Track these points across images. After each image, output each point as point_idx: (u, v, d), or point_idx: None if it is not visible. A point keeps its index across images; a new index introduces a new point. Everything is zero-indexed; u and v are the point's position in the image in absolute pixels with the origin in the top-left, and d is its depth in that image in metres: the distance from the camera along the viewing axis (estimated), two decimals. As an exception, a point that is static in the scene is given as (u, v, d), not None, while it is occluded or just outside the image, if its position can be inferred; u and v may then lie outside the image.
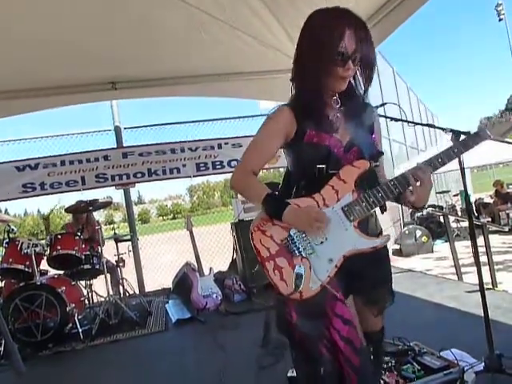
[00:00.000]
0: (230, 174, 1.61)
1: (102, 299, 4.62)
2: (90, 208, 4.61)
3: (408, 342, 2.54)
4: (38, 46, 3.74)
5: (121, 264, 4.91)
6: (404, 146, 11.46)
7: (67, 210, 4.88)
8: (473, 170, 18.63)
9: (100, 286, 4.83)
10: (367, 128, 1.54)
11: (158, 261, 7.07)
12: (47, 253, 4.32)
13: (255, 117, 6.82)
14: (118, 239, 4.96)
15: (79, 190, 5.80)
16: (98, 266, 4.53)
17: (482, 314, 2.26)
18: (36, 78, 4.49)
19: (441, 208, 10.31)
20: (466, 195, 2.46)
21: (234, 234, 5.32)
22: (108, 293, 4.45)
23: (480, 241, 2.62)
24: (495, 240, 6.97)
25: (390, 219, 8.41)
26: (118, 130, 6.30)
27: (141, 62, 4.55)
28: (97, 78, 4.86)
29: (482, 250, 2.76)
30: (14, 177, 5.62)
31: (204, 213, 31.65)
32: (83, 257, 4.40)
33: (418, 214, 8.97)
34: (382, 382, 2.12)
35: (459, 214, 10.47)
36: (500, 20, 22.77)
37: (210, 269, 4.80)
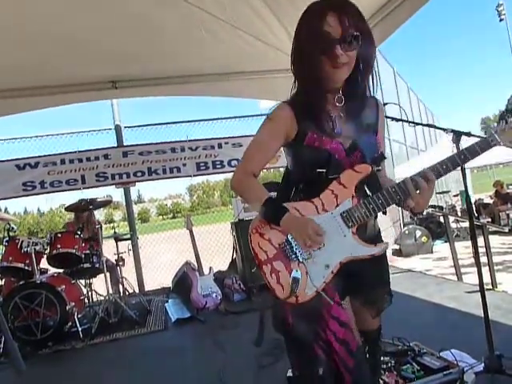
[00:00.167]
0: (230, 173, 1.60)
1: (102, 298, 4.62)
2: (90, 207, 4.61)
3: (408, 343, 2.54)
4: (39, 45, 3.73)
5: (120, 263, 4.92)
6: (404, 146, 11.46)
7: (67, 209, 4.88)
8: (473, 171, 18.63)
9: (100, 285, 4.83)
10: (371, 128, 1.50)
11: (158, 260, 7.08)
12: (47, 251, 4.32)
13: (255, 116, 6.83)
14: (117, 238, 4.96)
15: (79, 189, 5.81)
16: (97, 265, 4.53)
17: (482, 315, 2.26)
18: (37, 77, 4.49)
19: (441, 208, 10.31)
20: (466, 195, 2.46)
21: (234, 233, 5.32)
22: (108, 292, 4.45)
23: (480, 241, 2.61)
24: (495, 241, 6.97)
25: (390, 219, 8.42)
26: (118, 129, 6.30)
27: (141, 61, 4.55)
28: (97, 76, 4.85)
29: (481, 250, 2.75)
30: (14, 175, 5.63)
31: (204, 212, 31.72)
32: (83, 256, 4.40)
33: (416, 215, 8.97)
34: (381, 382, 2.12)
35: (459, 214, 10.47)
36: (501, 20, 22.74)
37: (210, 268, 4.80)
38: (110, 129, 6.32)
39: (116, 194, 6.47)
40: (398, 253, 7.84)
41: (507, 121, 1.34)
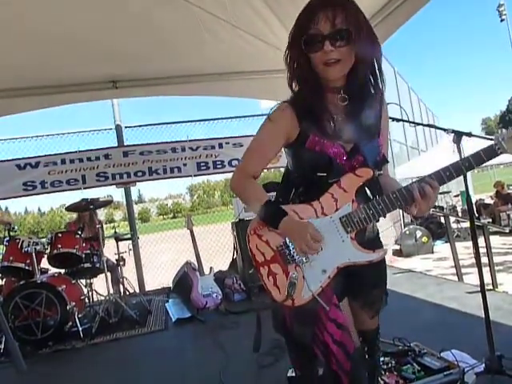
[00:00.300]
0: (231, 173, 1.59)
1: (102, 298, 4.62)
2: (91, 207, 4.61)
3: (408, 343, 2.53)
4: (39, 44, 3.74)
5: (121, 263, 4.92)
6: (405, 146, 11.46)
7: (68, 209, 4.88)
8: (473, 171, 18.58)
9: (100, 285, 4.83)
10: (374, 130, 1.45)
11: (159, 260, 7.08)
12: (48, 251, 4.32)
13: (256, 116, 6.83)
14: (118, 238, 4.96)
15: (80, 189, 5.81)
16: (98, 265, 4.53)
17: (483, 315, 2.26)
18: (37, 77, 4.49)
19: (441, 208, 10.31)
20: (467, 196, 2.45)
21: (235, 233, 5.32)
22: (108, 291, 4.45)
23: (480, 242, 2.61)
24: (495, 241, 6.96)
25: (391, 219, 8.43)
26: (118, 129, 6.30)
27: (142, 61, 4.55)
28: (98, 76, 4.86)
29: (482, 250, 2.75)
30: (14, 175, 5.63)
31: (204, 212, 31.70)
32: (83, 255, 4.40)
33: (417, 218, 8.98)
34: (382, 382, 2.12)
35: (460, 214, 10.47)
36: (502, 21, 22.74)
37: (211, 268, 4.80)
38: (111, 129, 6.32)
39: (116, 193, 6.48)
40: (398, 253, 7.85)
41: None
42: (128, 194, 6.44)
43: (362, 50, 1.30)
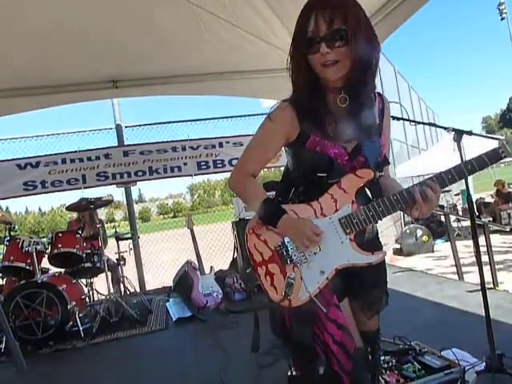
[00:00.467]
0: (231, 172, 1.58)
1: (103, 297, 4.62)
2: (91, 206, 4.61)
3: (409, 342, 2.53)
4: (39, 44, 3.74)
5: (121, 262, 4.92)
6: (405, 145, 11.45)
7: (68, 208, 4.89)
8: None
9: (101, 284, 4.84)
10: (375, 130, 1.44)
11: (159, 259, 7.09)
12: (48, 251, 4.33)
13: (257, 115, 6.82)
14: (118, 237, 4.96)
15: (80, 189, 5.81)
16: (98, 265, 4.53)
17: (483, 314, 2.26)
18: (37, 77, 4.49)
19: (442, 207, 10.31)
20: (467, 195, 2.45)
21: (235, 232, 5.32)
22: (109, 291, 4.46)
23: (481, 240, 2.61)
24: (496, 240, 6.96)
25: (391, 218, 8.42)
26: (119, 129, 6.31)
27: (142, 61, 4.55)
28: (98, 76, 4.86)
29: (483, 249, 2.75)
30: (15, 175, 5.63)
31: (205, 211, 31.71)
32: (84, 255, 4.40)
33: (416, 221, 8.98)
34: (382, 381, 2.12)
35: (460, 213, 10.47)
36: (502, 19, 22.73)
37: (211, 267, 4.80)
38: (111, 128, 6.32)
39: (117, 193, 6.48)
40: (398, 252, 7.85)
41: None
42: (128, 194, 6.44)
43: (360, 50, 1.28)
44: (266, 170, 7.81)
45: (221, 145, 6.37)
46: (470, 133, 2.12)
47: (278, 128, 1.42)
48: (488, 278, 3.28)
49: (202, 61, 4.70)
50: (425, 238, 7.77)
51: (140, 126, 6.46)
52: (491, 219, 9.33)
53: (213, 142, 6.38)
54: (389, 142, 1.58)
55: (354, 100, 1.37)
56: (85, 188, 5.82)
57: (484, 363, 2.21)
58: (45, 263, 4.48)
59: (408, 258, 7.36)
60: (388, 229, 8.13)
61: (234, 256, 5.63)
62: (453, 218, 8.72)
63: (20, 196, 5.72)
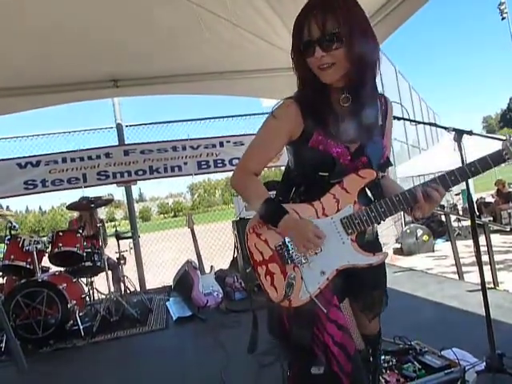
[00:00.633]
0: (232, 172, 1.56)
1: (103, 296, 4.63)
2: (92, 205, 4.61)
3: (409, 341, 2.53)
4: (39, 43, 3.74)
5: (122, 261, 4.93)
6: (405, 145, 11.44)
7: (69, 207, 4.89)
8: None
9: (101, 284, 4.84)
10: (378, 131, 1.44)
11: (159, 258, 7.09)
12: (48, 250, 4.33)
13: (257, 115, 6.82)
14: (119, 236, 4.97)
15: (80, 188, 5.81)
16: (99, 264, 4.54)
17: (484, 314, 2.26)
18: (38, 76, 4.49)
19: (442, 207, 10.30)
20: (468, 194, 2.45)
21: (236, 232, 5.33)
22: (109, 290, 4.46)
23: (481, 240, 2.61)
24: (496, 239, 6.97)
25: (391, 218, 8.42)
26: (119, 128, 6.31)
27: (143, 60, 4.55)
28: (98, 75, 4.85)
29: (483, 249, 2.75)
30: (15, 174, 5.64)
31: (205, 211, 31.71)
32: (84, 254, 4.40)
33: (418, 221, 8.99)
34: (383, 381, 2.12)
35: (460, 213, 10.47)
36: (503, 19, 22.69)
37: (211, 267, 4.81)
38: (112, 127, 6.33)
39: (117, 192, 6.49)
40: (399, 251, 7.85)
41: None
42: (129, 193, 6.44)
43: (357, 51, 1.28)
44: (266, 169, 7.82)
45: (221, 144, 6.37)
46: (470, 133, 2.12)
47: (282, 125, 1.41)
48: (488, 277, 3.28)
49: (202, 60, 4.70)
50: (425, 237, 7.77)
51: (140, 125, 6.46)
52: (491, 219, 9.34)
53: (213, 141, 6.38)
54: (391, 143, 1.58)
55: (356, 100, 1.36)
56: (85, 187, 5.83)
57: (484, 363, 2.21)
58: (45, 262, 4.49)
59: (408, 258, 7.37)
60: (388, 228, 8.13)
61: (234, 255, 5.64)
62: (453, 217, 8.72)
63: (20, 195, 5.72)
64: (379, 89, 1.48)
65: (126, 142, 6.27)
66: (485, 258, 3.02)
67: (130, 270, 5.65)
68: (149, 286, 6.31)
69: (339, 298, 1.42)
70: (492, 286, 4.05)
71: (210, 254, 6.72)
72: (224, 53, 4.53)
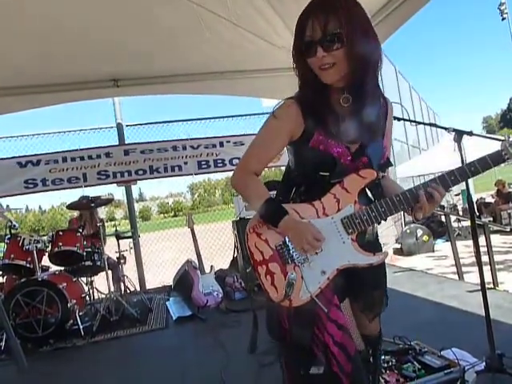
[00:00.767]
0: (232, 172, 1.56)
1: (103, 296, 4.63)
2: (92, 205, 4.61)
3: (409, 341, 2.54)
4: (40, 43, 3.73)
5: (122, 261, 4.93)
6: (406, 145, 11.44)
7: (69, 207, 4.89)
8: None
9: (101, 283, 4.84)
10: (379, 131, 1.44)
11: (159, 258, 7.09)
12: (49, 249, 4.33)
13: (257, 115, 6.83)
14: (119, 236, 4.97)
15: (81, 187, 5.81)
16: (99, 263, 4.54)
17: (483, 314, 2.26)
18: (38, 75, 4.49)
19: (442, 207, 10.30)
20: (468, 195, 2.45)
21: (235, 231, 5.33)
22: (109, 289, 4.46)
23: (481, 240, 2.61)
24: (496, 240, 6.97)
25: (391, 218, 8.41)
26: (119, 127, 6.31)
27: (143, 60, 4.54)
28: (99, 75, 4.85)
29: (483, 249, 2.75)
30: (16, 173, 5.64)
31: (205, 210, 31.71)
32: (84, 253, 4.41)
33: (418, 221, 8.97)
34: (382, 381, 2.12)
35: (460, 213, 10.47)
36: (503, 19, 22.69)
37: (211, 267, 4.81)
38: (112, 127, 6.33)
39: (117, 192, 6.50)
40: (399, 252, 7.85)
41: None
42: (129, 193, 6.45)
43: (358, 51, 1.28)
44: (266, 169, 7.81)
45: (221, 144, 6.37)
46: (470, 133, 2.12)
47: (283, 125, 1.41)
48: (488, 278, 3.29)
49: (202, 60, 4.70)
50: (425, 237, 7.77)
51: (141, 124, 6.47)
52: (491, 219, 9.34)
53: (213, 141, 6.39)
54: (390, 144, 1.58)
55: (356, 100, 1.37)
56: (85, 186, 5.83)
57: (484, 363, 2.22)
58: (45, 261, 4.49)
59: (408, 258, 7.37)
60: (388, 228, 8.13)
61: (234, 255, 5.64)
62: (453, 218, 8.73)
63: (20, 194, 5.73)
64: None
65: (126, 142, 6.28)
66: (485, 258, 3.02)
67: (129, 269, 5.65)
68: (149, 285, 6.31)
69: (339, 298, 1.41)
70: (492, 286, 4.06)
71: (210, 253, 6.72)
72: (224, 52, 4.53)
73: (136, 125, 6.45)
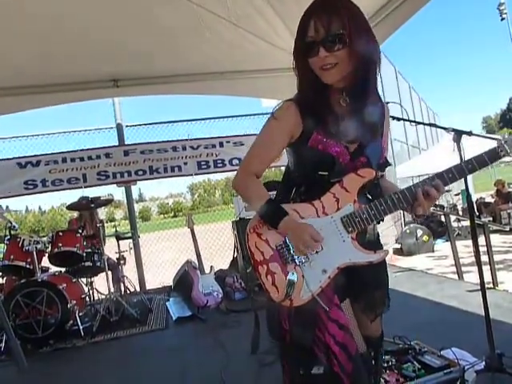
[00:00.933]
0: (232, 172, 1.58)
1: (103, 296, 4.63)
2: (92, 205, 4.61)
3: (408, 341, 2.54)
4: (40, 43, 3.74)
5: (122, 261, 4.93)
6: (405, 145, 11.45)
7: (69, 208, 4.89)
8: (474, 170, 18.53)
9: (101, 284, 4.84)
10: (377, 131, 1.46)
11: (159, 258, 7.09)
12: (48, 250, 4.33)
13: (257, 115, 6.83)
14: (119, 237, 4.97)
15: (80, 188, 5.81)
16: (99, 264, 4.54)
17: (483, 314, 2.26)
18: (38, 76, 4.49)
19: (442, 207, 10.31)
20: (467, 195, 2.45)
21: (235, 232, 5.33)
22: (109, 290, 4.46)
23: (481, 240, 2.61)
24: (496, 239, 6.97)
25: (391, 218, 8.42)
26: (119, 128, 6.32)
27: (143, 60, 4.55)
28: (99, 75, 4.86)
29: (482, 249, 2.75)
30: (15, 174, 5.64)
31: (205, 211, 31.71)
32: (84, 254, 4.40)
33: (418, 219, 8.98)
34: (382, 381, 2.12)
35: (460, 213, 10.46)
36: (502, 19, 22.71)
37: (211, 267, 4.81)
38: (112, 127, 6.34)
39: (117, 192, 6.50)
40: (399, 252, 7.84)
41: None
42: (129, 193, 6.45)
43: (359, 52, 1.30)
44: (266, 169, 7.80)
45: (221, 144, 6.37)
46: (469, 133, 2.12)
47: (283, 125, 1.42)
48: (488, 277, 3.29)
49: (202, 60, 4.70)
50: (425, 237, 7.76)
51: (140, 125, 6.48)
52: (491, 219, 9.34)
53: (213, 141, 6.38)
54: (388, 148, 1.59)
55: (355, 101, 1.38)
56: (85, 187, 5.82)
57: (483, 362, 2.22)
58: (45, 262, 4.49)
59: (408, 258, 7.36)
60: (388, 229, 8.13)
61: (234, 255, 5.64)
62: (453, 217, 8.72)
63: (20, 195, 5.73)
64: (379, 89, 1.49)
65: (126, 142, 6.28)
66: (484, 258, 3.02)
67: (129, 270, 5.65)
68: (149, 286, 6.31)
69: (340, 298, 1.42)
70: (491, 285, 4.06)
71: (210, 254, 6.72)
72: (224, 52, 4.53)
73: (136, 125, 6.45)
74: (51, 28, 3.53)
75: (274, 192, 1.60)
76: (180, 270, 5.04)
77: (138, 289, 5.75)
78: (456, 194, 11.78)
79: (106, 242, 5.08)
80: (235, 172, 1.60)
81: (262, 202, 1.41)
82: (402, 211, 9.07)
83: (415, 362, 2.30)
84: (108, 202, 5.10)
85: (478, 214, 9.69)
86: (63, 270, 4.57)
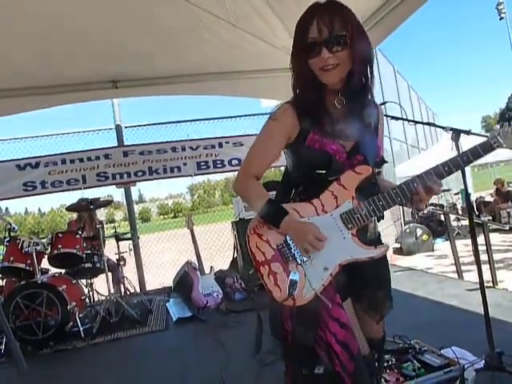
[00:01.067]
0: (231, 172, 1.59)
1: (103, 298, 4.63)
2: (91, 206, 4.61)
3: (408, 340, 2.54)
4: (39, 44, 3.74)
5: (122, 262, 4.92)
6: (405, 145, 11.46)
7: (68, 209, 4.89)
8: (473, 169, 18.62)
9: (101, 285, 4.84)
10: (373, 130, 1.49)
11: (159, 259, 7.09)
12: (48, 251, 4.33)
13: (256, 115, 6.83)
14: (118, 238, 4.97)
15: (80, 189, 5.81)
16: (98, 265, 4.54)
17: (483, 312, 2.26)
18: (37, 77, 4.49)
19: (441, 206, 10.31)
20: (466, 194, 2.46)
21: (235, 232, 5.33)
22: (109, 291, 4.45)
23: (480, 239, 2.62)
24: (496, 238, 6.97)
25: (391, 217, 8.43)
26: (118, 129, 6.31)
27: (141, 61, 4.55)
28: (98, 76, 4.85)
29: (482, 248, 2.75)
30: (15, 175, 5.64)
31: (205, 211, 31.69)
32: (84, 255, 4.40)
33: (419, 213, 8.98)
34: (382, 380, 2.12)
35: (460, 212, 10.47)
36: (501, 19, 22.72)
37: (211, 267, 4.81)
38: (111, 128, 6.33)
39: (117, 193, 6.51)
40: (399, 251, 7.84)
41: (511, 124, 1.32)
42: (128, 194, 6.45)
43: (359, 54, 1.33)
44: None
45: (220, 145, 6.37)
46: (467, 132, 2.13)
47: (281, 126, 1.44)
48: (487, 276, 3.29)
49: (202, 60, 4.69)
50: (425, 237, 7.76)
51: (140, 126, 6.47)
52: (491, 218, 9.34)
53: (212, 142, 6.38)
54: (383, 147, 1.61)
55: (351, 102, 1.41)
56: (85, 188, 5.83)
57: (483, 361, 2.21)
58: (45, 264, 4.48)
59: (408, 257, 7.36)
60: (388, 228, 8.13)
61: (234, 256, 5.64)
62: (452, 217, 8.72)
63: (20, 197, 5.73)
64: (377, 89, 1.50)
65: (125, 143, 6.28)
66: (484, 257, 3.03)
67: (129, 271, 5.65)
68: (149, 287, 6.31)
69: (341, 297, 1.43)
70: (491, 284, 4.06)
71: (210, 254, 6.72)
72: (224, 53, 4.53)
73: (135, 126, 6.45)
74: (51, 28, 3.53)
75: (274, 192, 1.61)
76: (180, 270, 5.04)
77: (138, 290, 5.75)
78: (455, 194, 11.79)
79: (106, 243, 5.07)
80: (235, 172, 1.61)
81: (262, 202, 1.43)
82: (401, 211, 9.10)
83: (415, 361, 2.31)
84: (107, 203, 5.10)
85: (477, 213, 9.70)
86: (63, 271, 4.57)
